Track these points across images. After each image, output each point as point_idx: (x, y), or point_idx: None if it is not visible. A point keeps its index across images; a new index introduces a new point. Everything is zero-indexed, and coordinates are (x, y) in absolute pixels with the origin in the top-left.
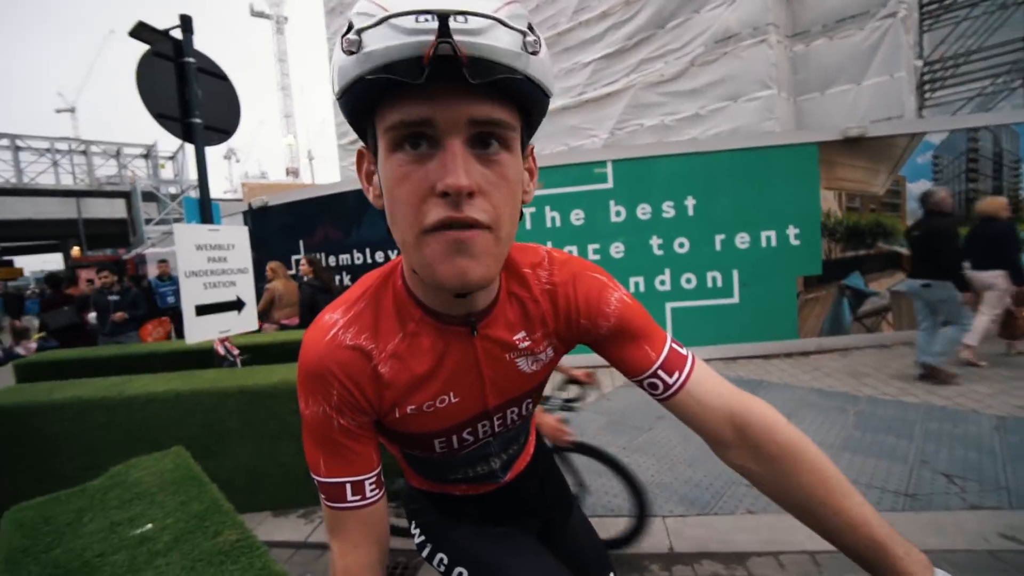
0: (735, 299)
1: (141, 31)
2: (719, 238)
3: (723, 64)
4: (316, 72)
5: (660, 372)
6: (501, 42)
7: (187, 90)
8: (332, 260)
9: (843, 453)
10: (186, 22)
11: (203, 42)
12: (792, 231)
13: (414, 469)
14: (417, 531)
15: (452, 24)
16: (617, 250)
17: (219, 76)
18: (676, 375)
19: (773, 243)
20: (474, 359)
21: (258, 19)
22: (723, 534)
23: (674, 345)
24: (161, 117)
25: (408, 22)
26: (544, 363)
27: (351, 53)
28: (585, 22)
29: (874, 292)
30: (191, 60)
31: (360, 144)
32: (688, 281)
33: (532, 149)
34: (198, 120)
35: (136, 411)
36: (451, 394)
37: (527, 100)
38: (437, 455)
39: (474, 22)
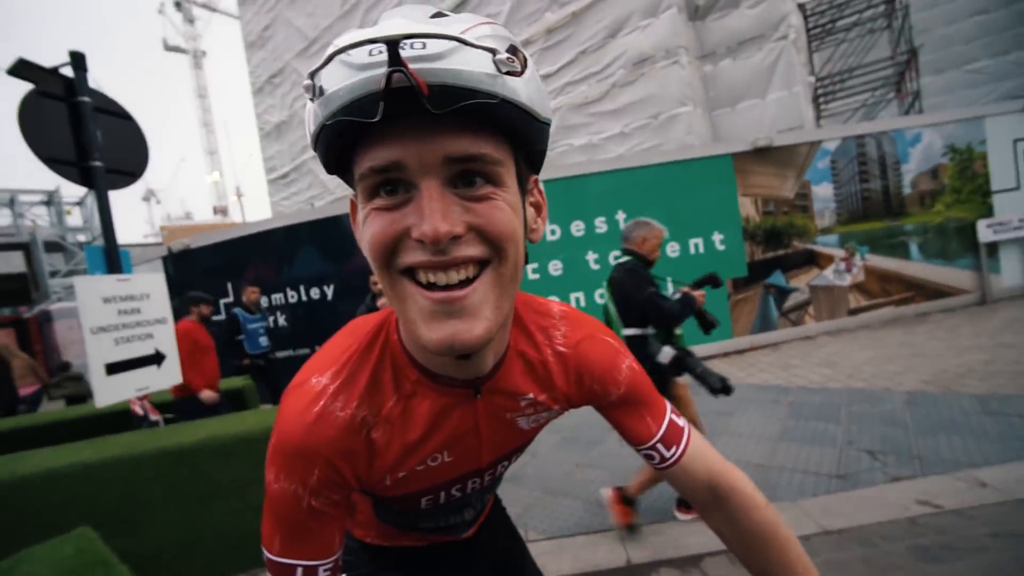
0: None
1: (22, 69)
2: None
3: (642, 85)
4: (240, 106)
5: (659, 446)
6: (467, 64)
7: (83, 132)
8: (265, 300)
9: (780, 443)
10: (78, 59)
11: (116, 78)
12: (717, 237)
13: (377, 516)
14: None
15: (404, 52)
16: (556, 268)
17: (121, 115)
18: (673, 449)
19: (701, 250)
20: (474, 421)
21: (175, 54)
22: (677, 539)
23: (673, 416)
24: (53, 162)
25: (361, 56)
26: (544, 420)
27: (312, 100)
28: None
29: (795, 288)
30: (86, 99)
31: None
32: None
33: (536, 181)
34: (98, 163)
35: (32, 492)
36: (444, 453)
37: (513, 127)
38: (420, 510)
39: (433, 46)
